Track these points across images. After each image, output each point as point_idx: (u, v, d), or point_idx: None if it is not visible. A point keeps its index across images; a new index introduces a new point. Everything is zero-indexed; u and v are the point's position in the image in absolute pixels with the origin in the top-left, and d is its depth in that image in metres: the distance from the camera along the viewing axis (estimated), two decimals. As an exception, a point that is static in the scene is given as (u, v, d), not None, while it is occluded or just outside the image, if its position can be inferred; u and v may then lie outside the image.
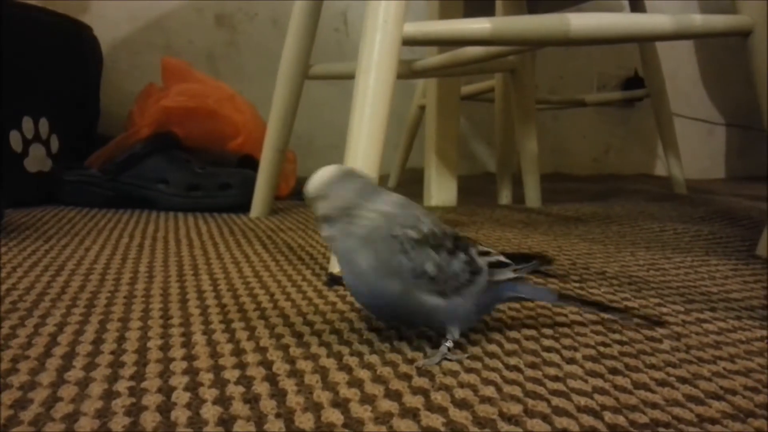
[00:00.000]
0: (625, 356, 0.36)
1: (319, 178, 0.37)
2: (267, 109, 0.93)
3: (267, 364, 0.33)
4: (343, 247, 0.36)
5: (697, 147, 2.00)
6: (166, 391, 0.30)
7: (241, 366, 0.33)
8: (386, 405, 0.29)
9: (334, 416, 0.28)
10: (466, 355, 0.36)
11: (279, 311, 0.43)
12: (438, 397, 0.30)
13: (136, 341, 0.37)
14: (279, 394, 0.30)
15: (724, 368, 0.34)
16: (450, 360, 0.35)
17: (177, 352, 0.35)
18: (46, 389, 0.30)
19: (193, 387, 0.30)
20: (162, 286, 0.50)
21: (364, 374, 0.32)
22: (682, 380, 0.33)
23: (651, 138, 1.96)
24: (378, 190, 0.37)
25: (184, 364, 0.33)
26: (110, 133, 1.14)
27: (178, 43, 1.46)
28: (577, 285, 0.53)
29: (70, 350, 0.35)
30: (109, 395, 0.29)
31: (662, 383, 0.32)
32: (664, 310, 0.46)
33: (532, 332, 0.40)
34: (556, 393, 0.31)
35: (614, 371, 0.34)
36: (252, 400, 0.29)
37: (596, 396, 0.30)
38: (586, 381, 0.32)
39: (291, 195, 1.16)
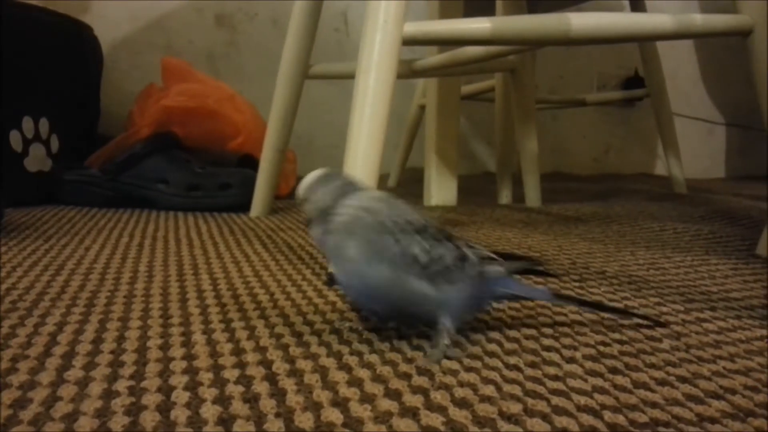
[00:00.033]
0: (625, 355, 0.36)
1: (303, 182, 0.39)
2: (267, 109, 0.93)
3: (267, 364, 0.33)
4: (330, 243, 0.37)
5: (697, 146, 2.00)
6: (166, 390, 0.30)
7: (241, 365, 0.33)
8: (386, 404, 0.29)
9: (333, 415, 0.28)
10: (464, 353, 0.36)
11: (279, 311, 0.43)
12: (438, 396, 0.30)
13: (136, 341, 0.37)
14: (279, 394, 0.30)
15: (724, 367, 0.34)
16: (450, 358, 0.35)
17: (177, 352, 0.35)
18: (45, 389, 0.30)
19: (192, 386, 0.30)
20: (162, 286, 0.50)
21: (363, 373, 0.32)
22: (682, 379, 0.33)
23: (651, 138, 1.96)
24: (358, 189, 0.38)
25: (183, 364, 0.33)
26: (110, 133, 1.14)
27: (178, 43, 1.46)
28: (576, 284, 0.53)
29: (70, 350, 0.35)
30: (108, 395, 0.29)
31: (662, 382, 0.32)
32: (664, 309, 0.46)
33: (532, 331, 0.40)
34: (555, 392, 0.31)
35: (614, 370, 0.34)
36: (252, 399, 0.29)
37: (596, 395, 0.30)
38: (585, 380, 0.32)
39: (291, 195, 1.16)
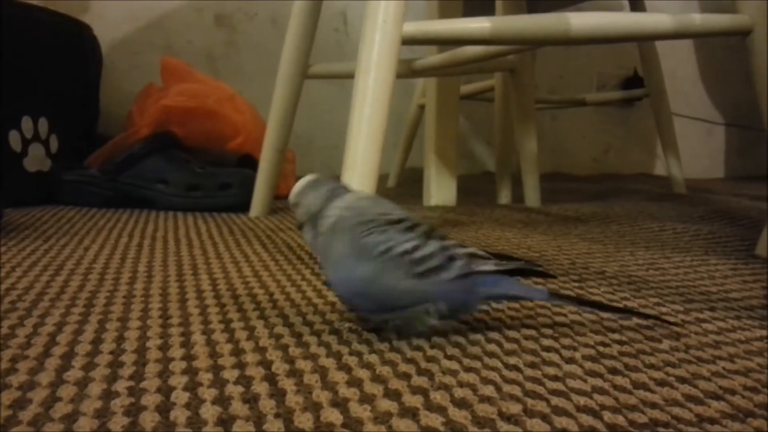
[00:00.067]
0: (625, 356, 0.36)
1: (294, 188, 0.40)
2: (267, 109, 0.93)
3: (266, 364, 0.33)
4: (317, 245, 0.38)
5: (696, 146, 2.00)
6: (166, 391, 0.30)
7: (241, 366, 0.33)
8: (385, 404, 0.29)
9: (333, 416, 0.28)
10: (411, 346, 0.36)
11: (278, 311, 0.43)
12: (437, 397, 0.30)
13: (135, 341, 0.37)
14: (278, 394, 0.30)
15: (724, 368, 0.34)
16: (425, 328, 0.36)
17: (176, 352, 0.35)
18: (45, 389, 0.30)
19: (192, 387, 0.30)
20: (161, 286, 0.50)
21: (363, 374, 0.32)
22: (682, 380, 0.33)
23: (650, 138, 1.96)
24: (345, 191, 0.39)
25: (183, 364, 0.33)
26: (110, 133, 1.14)
27: (177, 43, 1.46)
28: (576, 285, 0.53)
29: (69, 350, 0.35)
30: (108, 395, 0.29)
31: (661, 383, 0.32)
32: (664, 309, 0.46)
33: (532, 332, 0.40)
34: (555, 392, 0.31)
35: (613, 371, 0.34)
36: (251, 399, 0.29)
37: (595, 395, 0.30)
38: (585, 381, 0.32)
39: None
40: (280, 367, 0.33)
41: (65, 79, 1.10)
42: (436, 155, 1.07)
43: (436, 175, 1.07)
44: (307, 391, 0.30)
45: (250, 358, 0.34)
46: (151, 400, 0.29)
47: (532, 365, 0.34)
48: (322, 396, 0.30)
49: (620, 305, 0.47)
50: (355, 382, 0.31)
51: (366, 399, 0.29)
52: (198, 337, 0.38)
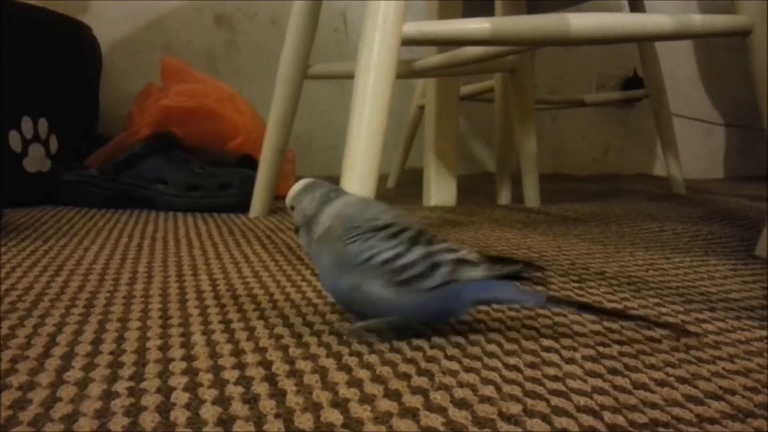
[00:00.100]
0: (625, 356, 0.36)
1: (290, 191, 0.40)
2: (267, 109, 0.93)
3: (266, 365, 0.33)
4: (311, 252, 0.39)
5: (696, 147, 2.00)
6: (166, 391, 0.30)
7: (241, 366, 0.33)
8: (385, 405, 0.29)
9: (333, 416, 0.28)
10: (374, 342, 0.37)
11: (278, 311, 0.43)
12: (437, 397, 0.30)
13: (136, 341, 0.37)
14: (278, 394, 0.30)
15: (724, 368, 0.34)
16: (365, 340, 0.36)
17: (176, 353, 0.35)
18: (45, 389, 0.30)
19: (192, 387, 0.30)
20: (161, 287, 0.50)
21: (363, 374, 0.32)
22: (682, 380, 0.33)
23: (650, 138, 1.96)
24: (339, 195, 0.39)
25: (183, 365, 0.33)
26: (110, 133, 1.14)
27: (177, 43, 1.46)
28: (576, 285, 0.53)
29: (69, 350, 0.35)
30: (108, 395, 0.29)
31: (661, 383, 0.32)
32: (663, 310, 0.46)
33: (532, 332, 0.40)
34: (555, 393, 0.31)
35: (613, 371, 0.34)
36: (251, 400, 0.29)
37: (596, 396, 0.30)
38: (585, 381, 0.32)
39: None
40: (280, 367, 0.33)
41: (65, 80, 1.10)
42: (436, 155, 1.07)
43: (435, 175, 1.07)
44: (307, 391, 0.30)
45: (251, 358, 0.34)
46: (151, 400, 0.29)
47: (532, 365, 0.34)
48: (322, 396, 0.30)
49: (620, 306, 0.47)
50: (355, 383, 0.31)
51: (366, 399, 0.29)
52: (198, 338, 0.38)
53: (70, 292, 0.47)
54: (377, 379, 0.32)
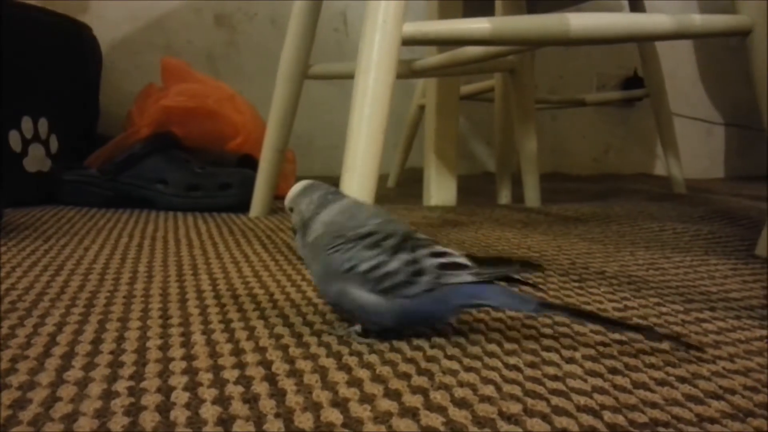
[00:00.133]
0: (625, 356, 0.36)
1: (289, 194, 0.41)
2: (267, 109, 0.93)
3: (266, 364, 0.33)
4: (304, 255, 0.40)
5: (696, 147, 2.00)
6: (166, 390, 0.30)
7: (241, 366, 0.33)
8: (385, 404, 0.29)
9: (333, 416, 0.28)
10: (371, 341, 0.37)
11: (278, 311, 0.43)
12: (437, 397, 0.30)
13: (136, 341, 0.37)
14: (278, 394, 0.30)
15: (724, 368, 0.34)
16: (360, 342, 0.37)
17: (176, 352, 0.35)
18: (45, 389, 0.30)
19: (192, 387, 0.30)
20: (161, 286, 0.50)
21: (363, 374, 0.32)
22: (682, 380, 0.33)
23: (650, 138, 1.96)
24: (336, 199, 0.40)
25: (183, 364, 0.33)
26: (110, 133, 1.14)
27: (177, 43, 1.46)
28: (576, 285, 0.53)
29: (70, 350, 0.35)
30: (108, 395, 0.29)
31: (661, 383, 0.32)
32: (664, 309, 0.46)
33: (532, 332, 0.40)
34: (555, 392, 0.31)
35: (613, 371, 0.34)
36: (251, 399, 0.29)
37: (596, 395, 0.30)
38: (585, 380, 0.32)
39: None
40: (280, 367, 0.33)
41: (65, 79, 1.10)
42: (436, 155, 1.07)
43: (436, 175, 1.07)
44: (307, 391, 0.30)
45: (250, 358, 0.34)
46: (151, 400, 0.29)
47: (532, 365, 0.34)
48: (322, 396, 0.30)
49: (620, 306, 0.47)
50: (355, 382, 0.31)
51: (366, 399, 0.29)
52: (198, 337, 0.38)
53: (71, 292, 0.48)
54: (377, 378, 0.32)
